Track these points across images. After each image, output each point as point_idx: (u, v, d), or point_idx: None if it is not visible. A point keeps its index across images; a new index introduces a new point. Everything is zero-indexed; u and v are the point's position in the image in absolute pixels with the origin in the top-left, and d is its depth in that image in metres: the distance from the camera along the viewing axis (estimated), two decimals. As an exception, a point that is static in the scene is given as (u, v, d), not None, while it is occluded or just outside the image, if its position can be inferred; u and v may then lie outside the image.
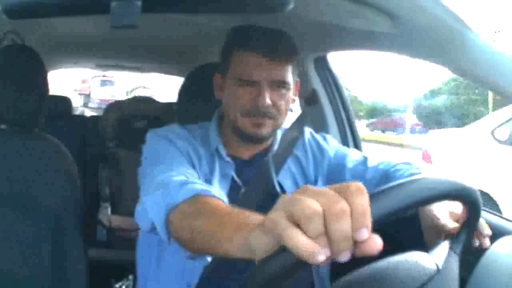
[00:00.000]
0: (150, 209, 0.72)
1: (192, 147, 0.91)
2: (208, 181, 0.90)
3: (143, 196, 0.77)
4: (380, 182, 0.94)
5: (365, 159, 1.01)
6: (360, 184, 0.41)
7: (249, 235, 0.46)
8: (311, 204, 0.39)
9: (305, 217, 0.38)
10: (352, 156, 1.02)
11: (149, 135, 0.93)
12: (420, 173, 0.89)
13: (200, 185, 0.72)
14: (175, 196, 0.69)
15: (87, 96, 12.93)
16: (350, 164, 1.00)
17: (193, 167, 0.88)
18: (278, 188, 0.95)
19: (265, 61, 0.87)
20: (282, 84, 0.89)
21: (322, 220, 0.38)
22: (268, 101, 0.87)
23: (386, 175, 0.95)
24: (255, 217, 0.53)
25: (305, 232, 0.39)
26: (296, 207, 0.39)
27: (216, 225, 0.57)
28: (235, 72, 0.89)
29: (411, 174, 0.89)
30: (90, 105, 11.54)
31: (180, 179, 0.73)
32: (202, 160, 0.91)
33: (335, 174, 1.01)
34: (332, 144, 1.05)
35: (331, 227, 0.38)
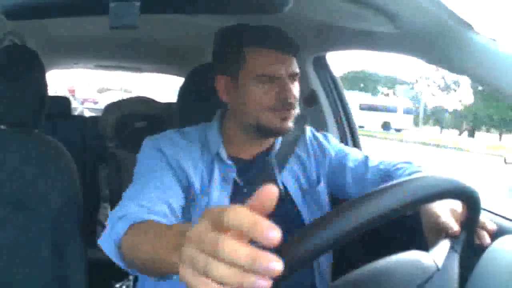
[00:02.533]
0: (106, 250, 0.73)
1: (187, 154, 0.90)
2: (206, 186, 0.90)
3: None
4: (381, 181, 0.94)
5: (366, 158, 1.01)
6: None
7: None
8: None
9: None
10: (353, 156, 1.02)
11: (143, 145, 0.93)
12: (421, 171, 0.89)
13: (136, 214, 0.73)
14: (117, 231, 0.70)
15: (73, 96, 16.18)
16: (351, 163, 1.01)
17: (186, 176, 0.88)
18: (282, 188, 0.95)
19: (281, 56, 0.89)
20: (296, 76, 0.92)
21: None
22: (295, 93, 0.89)
23: (387, 174, 0.95)
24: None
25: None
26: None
27: (153, 250, 0.57)
28: (252, 70, 0.88)
29: (412, 173, 0.89)
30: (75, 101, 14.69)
31: (121, 213, 0.74)
32: (198, 166, 0.91)
33: (336, 174, 1.01)
34: (333, 143, 1.05)
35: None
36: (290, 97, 0.88)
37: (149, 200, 0.78)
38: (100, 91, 17.09)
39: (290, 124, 0.91)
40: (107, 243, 0.72)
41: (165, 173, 0.86)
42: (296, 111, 0.92)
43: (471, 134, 17.72)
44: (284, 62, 0.89)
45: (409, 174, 0.89)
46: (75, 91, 16.24)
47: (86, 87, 17.15)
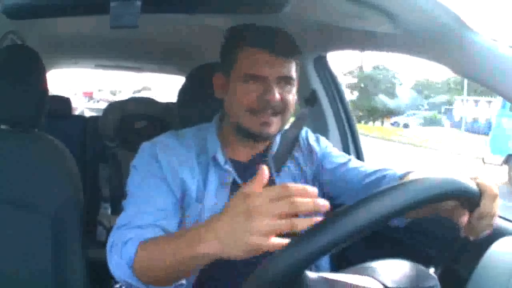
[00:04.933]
0: (120, 275, 0.77)
1: (183, 160, 0.90)
2: (202, 191, 0.90)
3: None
4: (362, 184, 0.94)
5: (348, 161, 1.01)
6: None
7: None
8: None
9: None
10: (334, 158, 1.01)
11: (139, 151, 0.93)
12: (403, 175, 0.88)
13: (139, 236, 0.77)
14: (127, 254, 0.75)
15: (91, 97, 21.13)
16: (330, 165, 1.00)
17: (182, 183, 0.88)
18: None
19: (272, 57, 0.87)
20: (288, 80, 0.89)
21: None
22: (277, 96, 0.87)
23: (366, 177, 0.94)
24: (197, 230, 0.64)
25: None
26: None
27: (173, 255, 0.67)
28: (241, 69, 0.89)
29: (394, 176, 0.89)
30: (91, 101, 19.03)
31: (127, 237, 0.78)
32: (194, 172, 0.90)
33: (319, 175, 1.01)
34: (323, 145, 1.04)
35: None
36: (272, 100, 0.86)
37: (142, 227, 0.81)
38: (113, 93, 23.83)
39: (272, 130, 0.89)
40: (119, 268, 0.76)
41: (157, 190, 0.86)
42: (285, 117, 0.90)
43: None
44: (273, 64, 0.87)
45: (392, 177, 0.89)
46: (93, 93, 21.86)
47: (101, 90, 23.28)
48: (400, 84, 22.24)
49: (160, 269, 0.70)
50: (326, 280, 0.55)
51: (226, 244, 0.58)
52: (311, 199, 0.54)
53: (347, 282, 0.55)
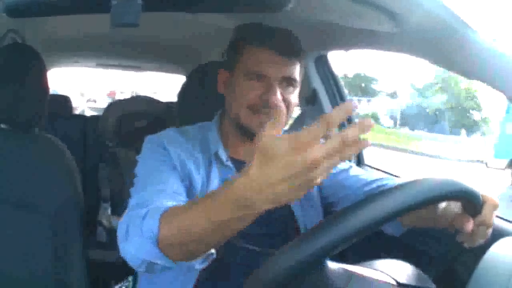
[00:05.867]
0: (138, 253, 0.68)
1: (189, 153, 0.89)
2: (205, 187, 0.89)
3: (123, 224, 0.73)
4: (361, 191, 0.94)
5: (349, 168, 1.01)
6: None
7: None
8: None
9: None
10: None
11: (145, 143, 0.91)
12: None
13: (159, 207, 0.70)
14: (149, 228, 0.66)
15: (113, 98, 22.80)
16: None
17: (189, 175, 0.87)
18: None
19: (277, 57, 0.87)
20: (291, 81, 0.89)
21: None
22: (279, 96, 0.86)
23: (366, 185, 0.95)
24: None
25: None
26: None
27: (208, 219, 0.59)
28: (245, 66, 0.89)
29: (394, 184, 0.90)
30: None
31: (144, 211, 0.70)
32: (200, 166, 0.90)
33: None
34: None
35: None
36: (272, 99, 0.85)
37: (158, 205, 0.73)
38: (133, 93, 25.49)
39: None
40: (141, 250, 0.67)
41: (170, 175, 0.83)
42: (286, 119, 0.90)
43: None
44: (277, 63, 0.87)
45: (392, 186, 0.90)
46: (116, 94, 22.53)
47: (123, 92, 23.66)
48: (379, 92, 23.17)
49: (193, 240, 0.63)
50: (346, 271, 0.55)
51: (281, 199, 0.53)
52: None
53: (364, 275, 0.56)
